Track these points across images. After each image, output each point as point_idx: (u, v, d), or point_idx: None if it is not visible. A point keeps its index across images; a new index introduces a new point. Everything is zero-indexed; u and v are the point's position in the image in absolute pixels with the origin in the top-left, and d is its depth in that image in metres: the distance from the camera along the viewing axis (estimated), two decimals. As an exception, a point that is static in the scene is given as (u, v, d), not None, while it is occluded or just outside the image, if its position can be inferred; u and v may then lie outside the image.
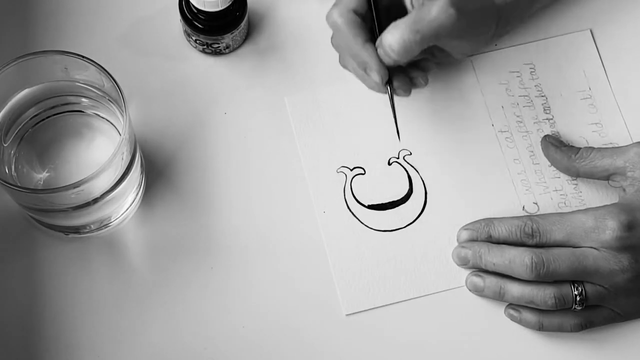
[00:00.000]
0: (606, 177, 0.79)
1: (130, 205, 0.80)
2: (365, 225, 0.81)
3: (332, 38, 0.78)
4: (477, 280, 0.78)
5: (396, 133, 0.78)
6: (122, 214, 0.79)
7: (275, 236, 0.81)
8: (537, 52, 0.86)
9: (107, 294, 0.78)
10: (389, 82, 0.77)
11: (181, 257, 0.80)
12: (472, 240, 0.79)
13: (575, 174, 0.81)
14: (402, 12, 0.75)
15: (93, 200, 0.73)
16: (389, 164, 0.83)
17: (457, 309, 0.80)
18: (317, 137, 0.83)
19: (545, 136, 0.83)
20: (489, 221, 0.79)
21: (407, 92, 0.78)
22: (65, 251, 0.79)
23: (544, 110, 0.85)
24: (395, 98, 0.78)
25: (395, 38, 0.72)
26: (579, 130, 0.85)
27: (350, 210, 0.82)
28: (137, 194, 0.80)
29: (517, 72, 0.86)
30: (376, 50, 0.75)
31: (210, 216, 0.81)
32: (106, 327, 0.78)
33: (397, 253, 0.81)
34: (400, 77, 0.77)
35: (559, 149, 0.81)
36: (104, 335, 0.77)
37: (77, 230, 0.79)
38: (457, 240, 0.80)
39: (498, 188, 0.83)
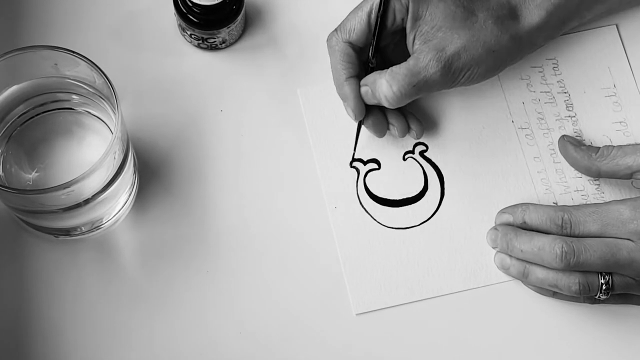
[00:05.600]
0: (629, 175, 0.78)
1: (123, 206, 0.79)
2: (378, 222, 0.81)
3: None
4: (504, 257, 0.79)
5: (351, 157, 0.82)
6: (114, 216, 0.79)
7: (280, 235, 0.80)
8: (560, 48, 0.86)
9: (98, 299, 0.78)
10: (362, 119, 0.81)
11: (176, 261, 0.79)
12: (508, 224, 0.79)
13: (596, 174, 0.80)
14: (398, 54, 0.80)
15: (84, 201, 0.73)
16: (404, 159, 0.83)
17: (471, 311, 0.79)
18: (329, 130, 0.83)
19: (563, 136, 0.83)
20: (526, 206, 0.79)
21: (379, 134, 0.82)
22: (55, 254, 0.79)
23: (567, 107, 0.85)
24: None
25: (391, 90, 0.77)
26: (603, 128, 0.84)
27: (362, 206, 0.81)
28: (130, 194, 0.80)
29: (540, 67, 0.85)
30: (359, 87, 0.79)
31: (206, 217, 0.80)
32: (97, 333, 0.77)
33: (410, 252, 0.80)
34: (376, 117, 0.81)
35: (578, 148, 0.81)
36: (95, 341, 0.77)
37: (67, 232, 0.78)
38: (495, 223, 0.81)
39: (517, 187, 0.82)
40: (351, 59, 0.79)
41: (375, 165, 0.82)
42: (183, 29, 0.83)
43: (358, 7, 0.78)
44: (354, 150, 0.82)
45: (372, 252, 0.80)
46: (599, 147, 0.80)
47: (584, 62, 0.85)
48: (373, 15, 0.78)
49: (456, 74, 0.77)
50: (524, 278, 0.78)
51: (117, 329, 0.77)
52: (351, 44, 0.79)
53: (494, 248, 0.80)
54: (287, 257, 0.80)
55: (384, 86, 0.77)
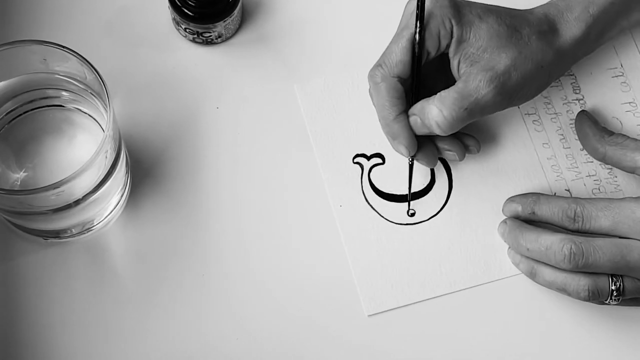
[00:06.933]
0: (632, 169, 0.78)
1: (115, 207, 0.79)
2: (385, 219, 0.81)
3: (369, 89, 0.79)
4: (515, 253, 0.79)
5: (407, 203, 0.81)
6: (105, 217, 0.79)
7: (281, 235, 0.80)
8: None
9: (89, 303, 0.77)
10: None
11: (170, 264, 0.79)
12: (517, 214, 0.79)
13: (601, 157, 0.80)
14: (439, 80, 0.78)
15: (74, 202, 0.73)
16: None
17: (486, 306, 0.79)
18: (330, 126, 0.83)
19: (583, 110, 0.83)
20: (537, 197, 0.78)
21: (431, 165, 0.80)
22: (44, 257, 0.78)
23: (573, 90, 0.85)
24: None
25: (442, 115, 0.74)
26: (612, 110, 0.84)
27: (368, 203, 0.81)
28: (122, 195, 0.79)
29: None
30: (408, 121, 0.77)
31: (203, 218, 0.80)
32: (88, 338, 0.77)
33: (420, 248, 0.80)
34: (426, 149, 0.79)
35: (594, 126, 0.81)
36: (86, 347, 0.76)
37: (57, 234, 0.78)
38: (502, 211, 0.80)
39: (527, 175, 0.82)
40: (399, 94, 0.76)
41: (379, 160, 0.82)
42: (177, 23, 0.83)
43: (398, 37, 0.75)
44: (409, 192, 0.80)
45: (381, 250, 0.79)
46: (615, 133, 0.80)
47: (589, 43, 0.87)
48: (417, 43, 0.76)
49: (510, 92, 0.75)
50: (531, 277, 0.78)
51: (109, 335, 0.76)
52: (398, 78, 0.76)
53: (505, 242, 0.80)
54: (290, 259, 0.79)
55: (434, 112, 0.74)
